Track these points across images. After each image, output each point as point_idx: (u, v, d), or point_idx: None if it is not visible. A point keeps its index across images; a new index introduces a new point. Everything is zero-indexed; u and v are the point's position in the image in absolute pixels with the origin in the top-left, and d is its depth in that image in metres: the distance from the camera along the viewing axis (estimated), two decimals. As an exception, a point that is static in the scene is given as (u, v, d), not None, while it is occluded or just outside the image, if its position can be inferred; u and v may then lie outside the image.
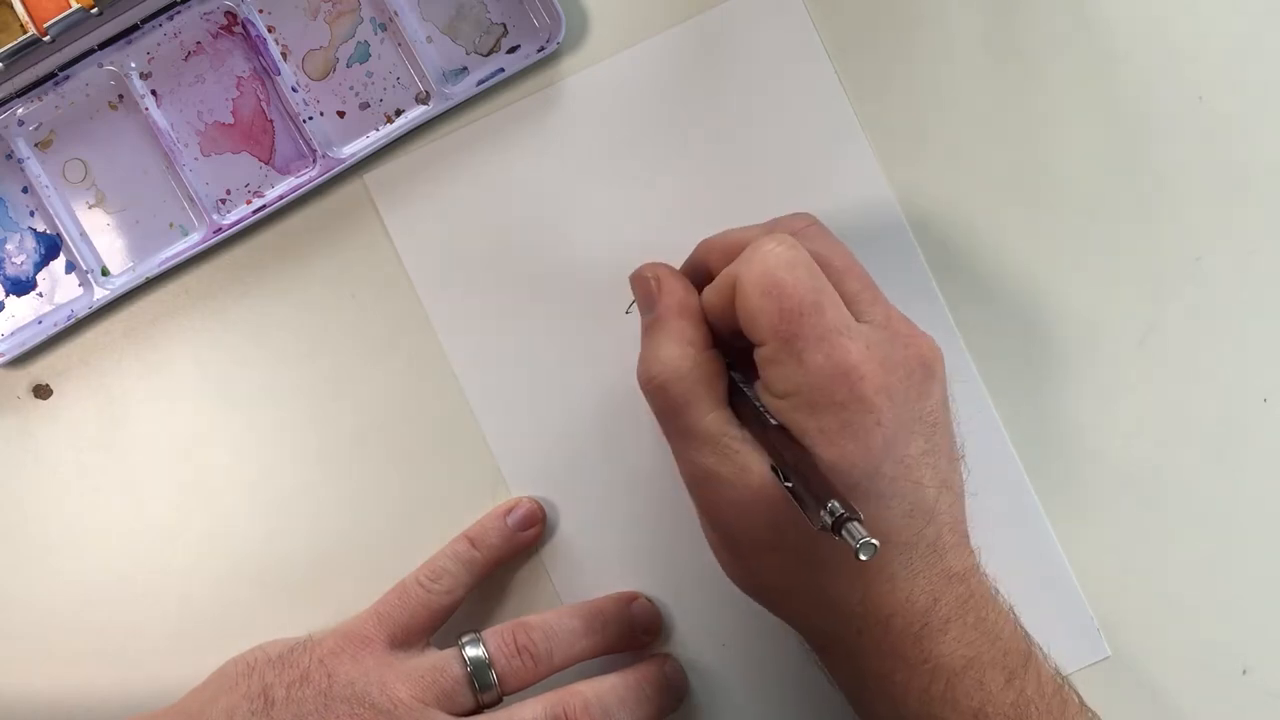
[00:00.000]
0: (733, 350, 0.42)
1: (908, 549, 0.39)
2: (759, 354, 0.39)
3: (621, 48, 0.48)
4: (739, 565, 0.42)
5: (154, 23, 0.47)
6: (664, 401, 0.41)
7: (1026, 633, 0.41)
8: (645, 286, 0.43)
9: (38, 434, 0.48)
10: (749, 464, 0.39)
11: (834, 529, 0.35)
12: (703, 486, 0.41)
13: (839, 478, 0.38)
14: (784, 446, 0.38)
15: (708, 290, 0.42)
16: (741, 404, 0.41)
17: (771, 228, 0.42)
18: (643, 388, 0.41)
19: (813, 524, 0.35)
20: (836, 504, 0.35)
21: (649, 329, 0.42)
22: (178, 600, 0.48)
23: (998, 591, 0.41)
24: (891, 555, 0.39)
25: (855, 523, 0.34)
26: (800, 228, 0.42)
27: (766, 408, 0.39)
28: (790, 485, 0.37)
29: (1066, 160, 0.48)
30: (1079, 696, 0.42)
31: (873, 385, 0.38)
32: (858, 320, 0.39)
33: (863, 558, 0.34)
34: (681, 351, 0.40)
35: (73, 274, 0.48)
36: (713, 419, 0.40)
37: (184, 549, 0.48)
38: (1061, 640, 0.47)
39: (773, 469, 0.38)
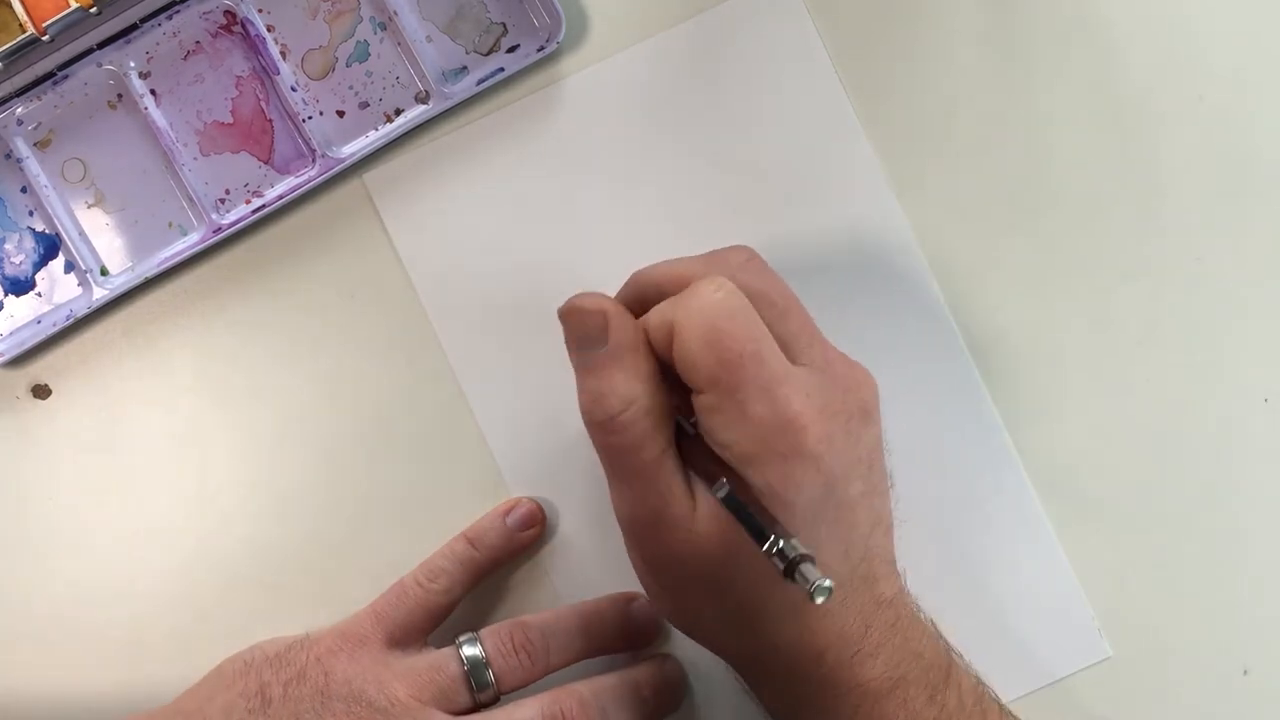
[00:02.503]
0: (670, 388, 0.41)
1: (842, 586, 0.39)
2: (699, 401, 0.38)
3: (621, 48, 0.48)
4: (677, 607, 0.42)
5: (153, 22, 0.47)
6: (621, 439, 0.39)
7: (947, 644, 0.42)
8: (593, 320, 0.39)
9: (37, 434, 0.48)
10: (698, 507, 0.39)
11: (787, 572, 0.35)
12: (649, 529, 0.40)
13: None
14: (735, 489, 0.38)
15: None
16: (686, 444, 0.40)
17: (710, 262, 0.40)
18: (596, 424, 0.39)
19: (773, 564, 0.35)
20: (795, 543, 0.35)
21: (601, 363, 0.39)
22: (178, 600, 0.48)
23: (919, 609, 0.42)
24: None
25: (809, 564, 0.34)
26: (740, 262, 0.40)
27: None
28: (763, 533, 0.36)
29: (1067, 160, 0.48)
30: (999, 704, 0.42)
31: (814, 435, 0.37)
32: (795, 362, 0.38)
33: (818, 601, 0.34)
34: (642, 387, 0.39)
35: (72, 274, 0.48)
36: (667, 457, 0.39)
37: (184, 549, 0.48)
38: (1061, 640, 0.47)
39: (727, 503, 0.38)
